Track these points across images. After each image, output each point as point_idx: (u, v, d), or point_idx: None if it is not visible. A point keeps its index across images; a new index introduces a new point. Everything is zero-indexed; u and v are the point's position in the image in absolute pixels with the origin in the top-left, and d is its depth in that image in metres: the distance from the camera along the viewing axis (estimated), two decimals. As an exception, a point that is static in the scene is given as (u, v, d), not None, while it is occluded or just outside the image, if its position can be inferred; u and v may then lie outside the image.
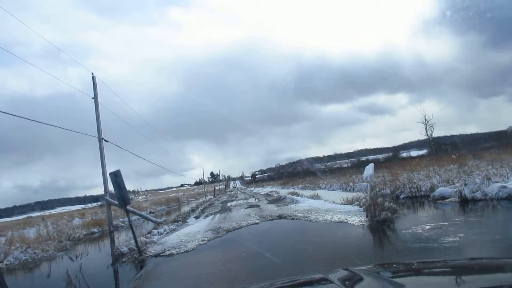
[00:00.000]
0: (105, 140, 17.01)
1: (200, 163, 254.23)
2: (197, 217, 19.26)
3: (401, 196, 15.24)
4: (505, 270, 1.37)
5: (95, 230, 20.84)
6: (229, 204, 28.11)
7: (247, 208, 20.38)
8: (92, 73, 17.36)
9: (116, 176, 9.33)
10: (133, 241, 11.70)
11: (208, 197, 54.04)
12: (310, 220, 11.59)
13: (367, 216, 10.14)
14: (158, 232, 14.05)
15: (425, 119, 53.17)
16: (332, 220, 10.92)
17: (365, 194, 17.54)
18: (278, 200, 23.28)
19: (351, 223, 9.98)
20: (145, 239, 12.04)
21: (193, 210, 26.88)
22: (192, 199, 57.08)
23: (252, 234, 10.96)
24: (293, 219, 12.71)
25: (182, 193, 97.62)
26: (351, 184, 23.00)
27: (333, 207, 13.89)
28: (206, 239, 10.89)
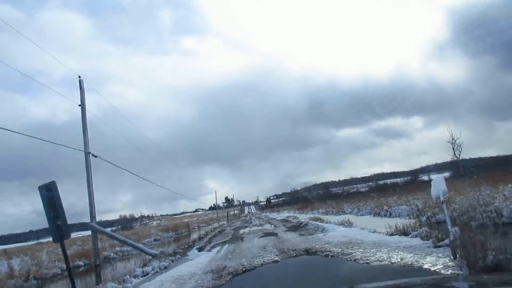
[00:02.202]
0: (93, 155, 13.73)
1: (215, 188, 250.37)
2: (200, 249, 15.35)
3: (472, 224, 11.08)
4: None
5: (81, 262, 17.11)
6: (241, 231, 24.07)
7: (262, 237, 16.41)
8: (79, 76, 14.19)
9: (49, 191, 5.59)
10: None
11: (221, 223, 50.02)
12: (355, 260, 7.59)
13: (454, 258, 6.13)
14: (143, 272, 10.22)
15: (453, 139, 48.66)
16: (393, 261, 6.90)
17: (414, 221, 13.44)
18: (299, 227, 19.20)
19: (432, 269, 5.99)
20: (115, 286, 8.22)
21: (200, 238, 22.96)
22: (204, 224, 53.03)
23: (270, 282, 7.08)
24: (327, 256, 8.74)
25: (196, 218, 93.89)
26: (385, 208, 18.79)
27: (381, 239, 9.85)
28: (200, 289, 7.04)
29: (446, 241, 7.48)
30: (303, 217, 29.52)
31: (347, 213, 25.52)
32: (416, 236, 9.21)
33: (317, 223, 18.28)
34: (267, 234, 17.32)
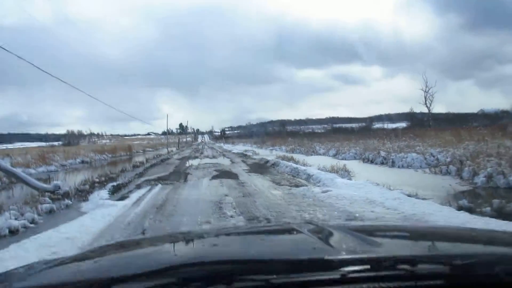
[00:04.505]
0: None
1: (170, 113, 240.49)
2: (115, 190, 9.46)
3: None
4: (481, 240, 1.15)
5: None
6: (189, 163, 18.43)
7: (215, 178, 10.88)
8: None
9: None
10: None
11: (170, 149, 44.13)
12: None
13: None
14: None
15: (426, 86, 44.73)
16: None
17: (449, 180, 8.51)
18: (267, 169, 13.84)
19: None
20: None
21: (134, 167, 17.06)
22: (150, 149, 46.79)
23: None
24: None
25: (146, 142, 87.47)
26: (382, 153, 13.80)
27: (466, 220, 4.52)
28: None
29: None
30: (265, 153, 24.39)
31: (321, 154, 20.68)
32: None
33: (292, 164, 12.99)
34: (223, 175, 11.78)
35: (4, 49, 10.62)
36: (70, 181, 12.07)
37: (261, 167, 14.29)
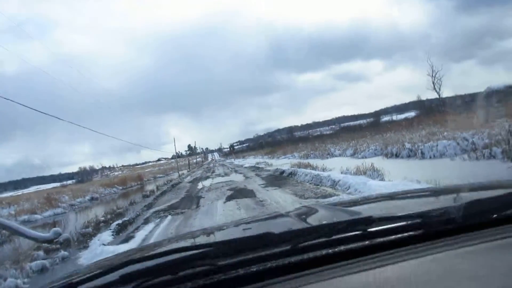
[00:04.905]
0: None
1: (177, 136, 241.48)
2: (120, 230, 8.36)
3: None
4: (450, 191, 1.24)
5: None
6: (200, 185, 17.30)
7: (229, 200, 9.69)
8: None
9: None
10: None
11: (181, 172, 43.25)
12: None
13: None
14: None
15: (433, 71, 43.13)
16: None
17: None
18: (283, 180, 12.65)
19: None
20: None
21: (144, 197, 16.09)
22: (161, 175, 45.90)
23: None
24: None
25: (157, 168, 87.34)
26: (407, 145, 12.48)
27: None
28: None
29: None
30: (278, 163, 23.18)
31: (337, 156, 19.40)
32: None
33: (311, 171, 11.75)
34: (238, 194, 10.61)
35: (6, 98, 10.02)
36: (75, 224, 11.07)
37: (278, 179, 13.08)
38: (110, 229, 8.35)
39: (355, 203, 1.40)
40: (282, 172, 14.95)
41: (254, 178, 15.28)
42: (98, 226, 9.38)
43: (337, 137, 36.87)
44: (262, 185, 11.82)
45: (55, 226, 10.05)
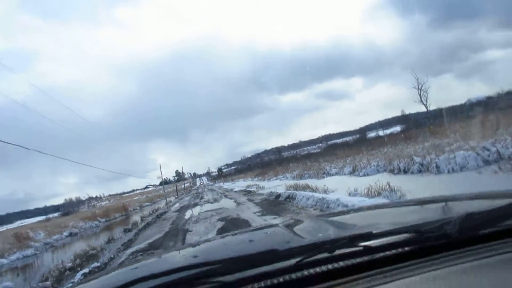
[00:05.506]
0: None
1: (164, 162, 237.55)
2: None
3: None
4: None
5: None
6: (188, 214, 15.53)
7: (220, 231, 8.07)
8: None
9: None
10: None
11: (168, 199, 41.16)
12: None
13: None
14: None
15: (418, 83, 42.84)
16: None
17: None
18: (281, 205, 11.08)
19: None
20: None
21: (126, 231, 14.25)
22: (148, 203, 43.54)
23: None
24: None
25: (145, 196, 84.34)
26: (416, 159, 11.16)
27: None
28: None
29: None
30: (271, 185, 21.59)
31: (333, 174, 18.00)
32: None
33: (313, 194, 10.26)
34: (231, 225, 8.98)
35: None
36: (37, 272, 9.22)
37: (274, 205, 11.51)
38: (73, 282, 6.61)
39: (347, 213, 1.42)
40: (278, 195, 13.41)
41: (247, 204, 13.67)
42: (61, 277, 7.60)
43: (329, 155, 35.64)
44: (258, 213, 10.22)
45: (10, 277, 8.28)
